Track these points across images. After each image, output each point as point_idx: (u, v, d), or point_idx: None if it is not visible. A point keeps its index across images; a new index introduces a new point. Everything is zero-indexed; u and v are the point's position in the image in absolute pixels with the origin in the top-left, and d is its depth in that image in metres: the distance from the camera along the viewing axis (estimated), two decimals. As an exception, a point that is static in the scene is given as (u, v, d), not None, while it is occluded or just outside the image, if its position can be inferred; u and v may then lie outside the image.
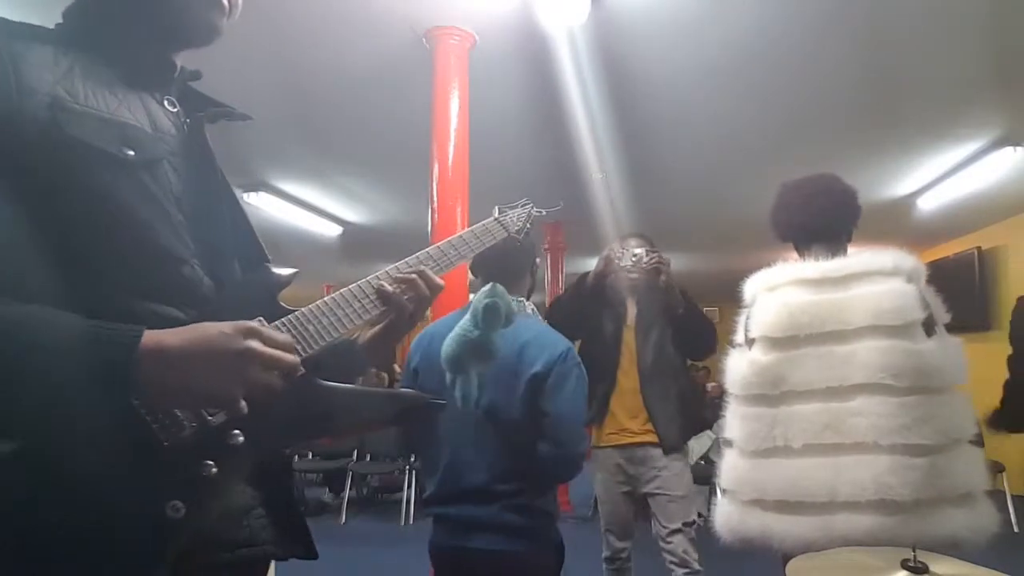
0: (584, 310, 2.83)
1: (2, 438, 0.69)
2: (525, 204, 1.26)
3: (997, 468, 4.83)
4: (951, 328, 1.72)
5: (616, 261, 2.78)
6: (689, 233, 7.02)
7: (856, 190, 1.94)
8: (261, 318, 0.83)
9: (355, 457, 6.25)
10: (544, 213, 1.30)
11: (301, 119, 4.31)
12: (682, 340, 2.81)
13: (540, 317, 2.08)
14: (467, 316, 1.61)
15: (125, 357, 0.69)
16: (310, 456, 6.62)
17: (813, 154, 4.53)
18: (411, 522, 5.48)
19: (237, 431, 0.79)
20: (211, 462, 0.78)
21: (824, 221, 1.89)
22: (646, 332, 2.80)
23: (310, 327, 0.89)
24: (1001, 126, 4.53)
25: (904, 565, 1.14)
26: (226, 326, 0.76)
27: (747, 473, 1.75)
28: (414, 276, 1.01)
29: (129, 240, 0.81)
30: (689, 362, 3.03)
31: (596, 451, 2.83)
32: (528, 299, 1.97)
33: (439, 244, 1.09)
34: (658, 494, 2.70)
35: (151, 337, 0.71)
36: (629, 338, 2.82)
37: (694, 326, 2.81)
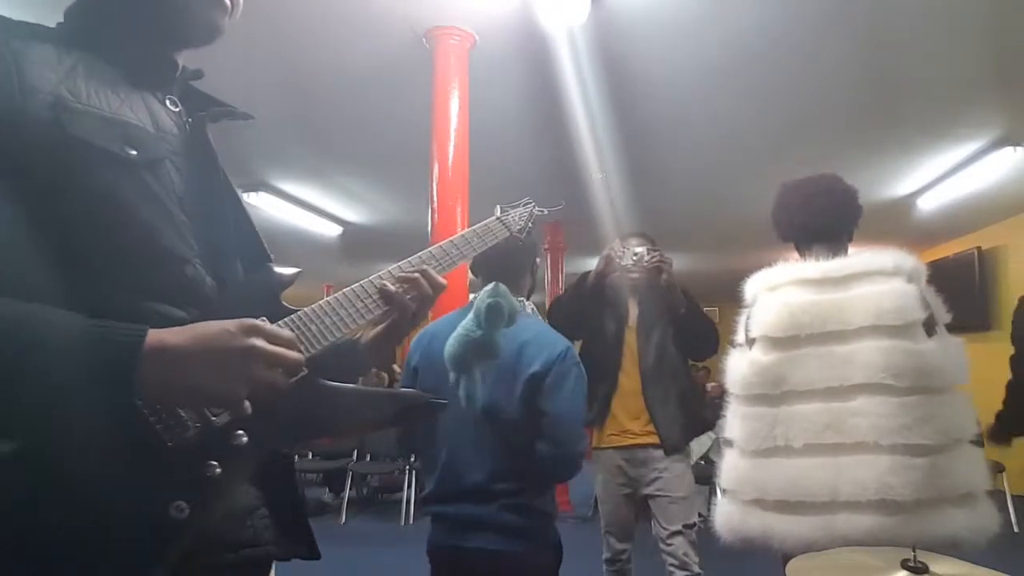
0: (584, 310, 2.80)
1: (4, 438, 0.69)
2: (527, 203, 1.26)
3: (997, 468, 4.83)
4: (951, 328, 1.72)
5: (617, 260, 2.75)
6: (689, 233, 7.03)
7: (857, 190, 1.94)
8: (264, 318, 0.83)
9: (355, 457, 6.25)
10: (546, 212, 1.30)
11: (301, 119, 4.32)
12: (684, 340, 2.78)
13: (540, 317, 2.08)
14: (470, 316, 1.61)
15: (129, 357, 0.69)
16: (310, 456, 6.62)
17: (813, 154, 4.53)
18: (411, 522, 5.48)
19: (241, 431, 0.79)
20: (215, 462, 0.78)
21: (825, 221, 1.89)
22: (648, 332, 2.77)
23: (312, 327, 0.89)
24: (1001, 126, 4.53)
25: (904, 565, 1.14)
26: (229, 324, 0.75)
27: (748, 473, 1.75)
28: (416, 275, 1.01)
29: (131, 240, 0.80)
30: (689, 362, 3.01)
31: (597, 452, 2.81)
32: (528, 299, 1.97)
33: (441, 243, 1.09)
34: (659, 495, 2.68)
35: (154, 336, 0.71)
36: (631, 339, 2.79)
37: (696, 326, 2.78)
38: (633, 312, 2.83)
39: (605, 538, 2.81)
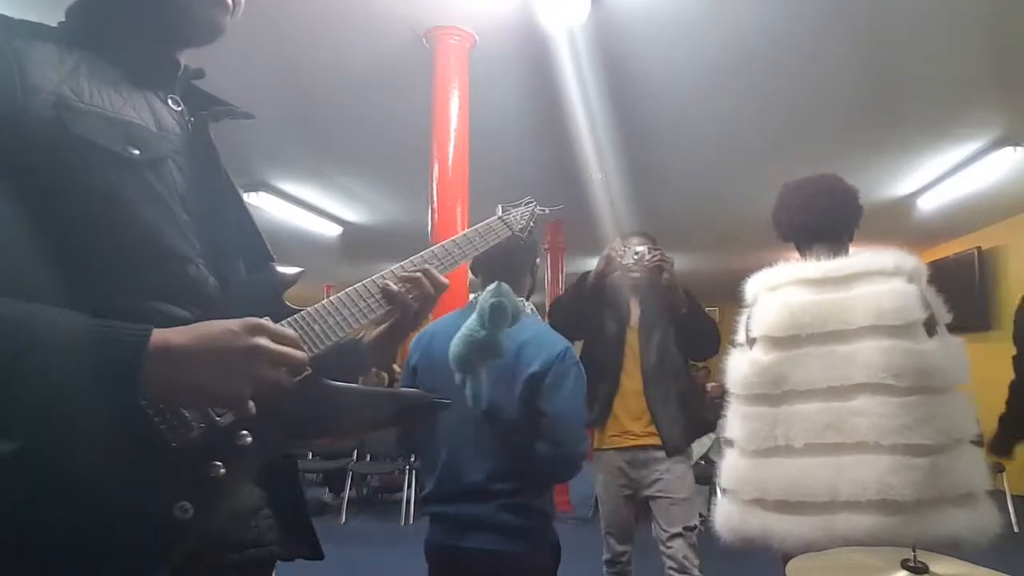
0: (584, 310, 2.78)
1: (7, 438, 0.69)
2: (528, 202, 1.26)
3: (997, 468, 4.83)
4: (951, 328, 1.72)
5: (618, 260, 2.73)
6: (689, 233, 7.03)
7: (857, 190, 1.94)
8: (267, 317, 0.83)
9: (355, 457, 6.25)
10: (547, 212, 1.30)
11: (301, 119, 4.32)
12: (685, 340, 2.75)
13: (539, 317, 2.08)
14: (473, 316, 1.62)
15: (133, 356, 0.69)
16: (310, 456, 6.62)
17: (813, 154, 4.53)
18: (411, 522, 5.48)
19: (245, 431, 0.79)
20: (219, 463, 0.78)
21: (826, 221, 1.89)
22: (649, 333, 2.75)
23: (316, 326, 0.89)
24: (1001, 126, 4.53)
25: (904, 565, 1.14)
26: (233, 323, 0.75)
27: (748, 473, 1.75)
28: (418, 275, 1.01)
29: (134, 239, 0.80)
30: (690, 363, 3.00)
31: (598, 453, 2.79)
32: (528, 299, 1.97)
33: (443, 243, 1.09)
34: (660, 497, 2.66)
35: (158, 336, 0.71)
36: (632, 339, 2.77)
37: (697, 326, 2.76)
38: (635, 312, 2.81)
39: (605, 539, 2.80)
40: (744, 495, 1.75)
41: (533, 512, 1.78)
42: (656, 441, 2.67)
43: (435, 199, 3.33)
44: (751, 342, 1.81)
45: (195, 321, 0.78)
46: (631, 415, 2.71)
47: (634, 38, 3.35)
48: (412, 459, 5.40)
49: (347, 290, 0.95)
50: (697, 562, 2.60)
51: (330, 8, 3.11)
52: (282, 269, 0.94)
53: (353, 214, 6.82)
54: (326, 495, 6.65)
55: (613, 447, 2.74)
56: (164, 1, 0.89)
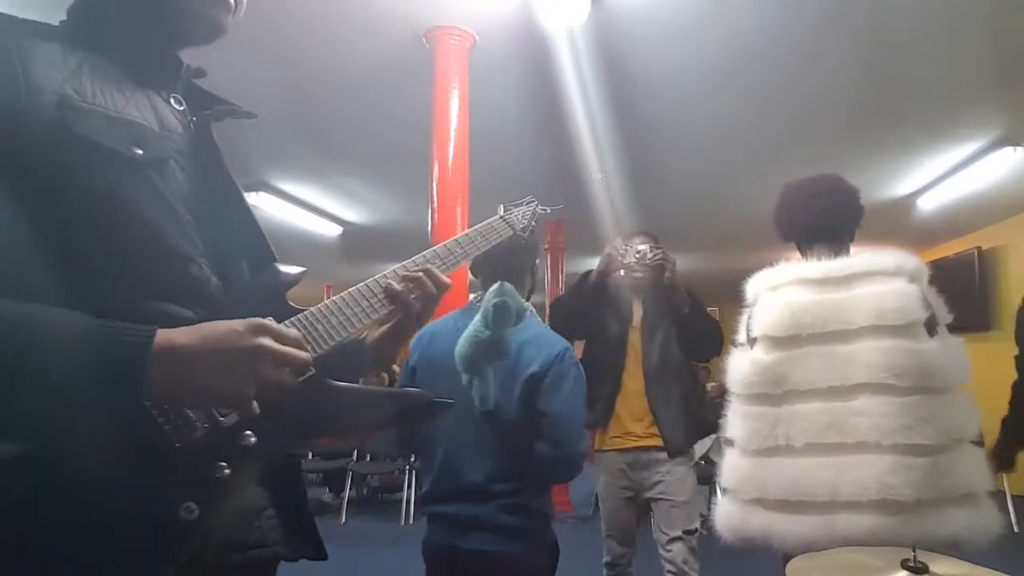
0: (585, 310, 2.75)
1: (11, 439, 0.68)
2: (530, 202, 1.26)
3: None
4: (951, 328, 1.72)
5: (619, 258, 2.70)
6: (689, 233, 7.03)
7: (859, 190, 1.94)
8: (270, 317, 0.82)
9: (355, 457, 6.25)
10: (548, 211, 1.30)
11: (301, 119, 4.32)
12: (687, 340, 2.72)
13: (539, 317, 2.08)
14: (477, 316, 1.62)
15: (137, 357, 0.69)
16: (310, 456, 6.62)
17: (813, 154, 4.53)
18: (411, 522, 5.48)
19: (249, 432, 0.79)
20: (224, 463, 0.78)
21: (827, 221, 1.89)
22: (651, 333, 2.72)
23: (319, 326, 0.89)
24: (1001, 126, 4.53)
25: (904, 565, 1.14)
26: (237, 324, 0.75)
27: (749, 472, 1.75)
28: (421, 275, 1.01)
29: (137, 239, 0.80)
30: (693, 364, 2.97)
31: (599, 454, 2.77)
32: (528, 299, 1.96)
33: (445, 243, 1.09)
34: (661, 499, 2.64)
35: (163, 336, 0.71)
36: (634, 339, 2.74)
37: (699, 326, 2.72)
38: (637, 312, 2.79)
39: (606, 542, 2.77)
40: (745, 495, 1.75)
41: (531, 513, 1.78)
42: (658, 442, 2.64)
43: (435, 199, 3.33)
44: (752, 341, 1.81)
45: (198, 321, 0.78)
46: (633, 416, 2.69)
47: (634, 38, 3.35)
48: (412, 459, 5.40)
49: (350, 290, 0.95)
50: (697, 566, 2.58)
51: (330, 8, 3.11)
52: (285, 269, 0.94)
53: (353, 214, 6.82)
54: (326, 495, 6.65)
55: (615, 448, 2.71)
56: (165, 0, 0.89)
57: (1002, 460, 2.26)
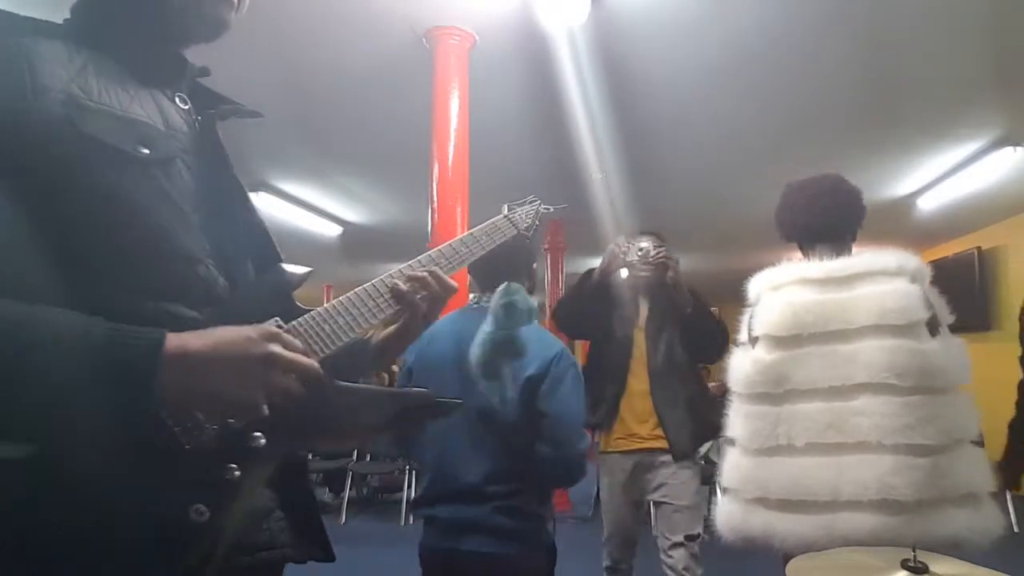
0: (588, 309, 2.72)
1: (21, 441, 0.68)
2: (533, 201, 1.25)
3: (996, 467, 4.82)
4: (951, 328, 1.72)
5: (622, 256, 2.67)
6: (689, 233, 7.03)
7: (861, 190, 1.94)
8: (278, 318, 0.82)
9: (355, 457, 6.24)
10: (551, 210, 1.29)
11: (301, 119, 4.31)
12: (690, 341, 2.67)
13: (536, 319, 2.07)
14: (488, 319, 1.62)
15: (147, 362, 0.68)
16: (310, 456, 6.62)
17: (813, 154, 4.53)
18: (411, 522, 5.47)
19: (258, 433, 0.79)
20: (234, 465, 0.77)
21: (829, 221, 1.89)
22: (657, 333, 2.68)
23: (326, 327, 0.88)
24: (1001, 126, 4.53)
25: (904, 565, 1.14)
26: (250, 330, 0.75)
27: (750, 472, 1.75)
28: (427, 275, 1.00)
29: (144, 239, 0.79)
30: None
31: (603, 456, 2.73)
32: (528, 299, 1.96)
33: (450, 242, 1.08)
34: (663, 503, 2.59)
35: (174, 341, 0.70)
36: (639, 339, 2.70)
37: (703, 327, 2.67)
38: (643, 312, 2.75)
39: (606, 546, 2.72)
40: (746, 494, 1.75)
41: (528, 514, 1.77)
42: (663, 444, 2.60)
43: (435, 199, 3.32)
44: (753, 341, 1.81)
45: (205, 321, 0.77)
46: (637, 417, 2.65)
47: (634, 38, 3.35)
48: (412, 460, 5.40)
49: (356, 290, 0.94)
50: (700, 572, 2.54)
51: (330, 8, 3.10)
52: (290, 269, 0.94)
53: (353, 214, 6.82)
54: (326, 495, 6.64)
55: (618, 450, 2.67)
56: None
57: (1009, 475, 2.21)
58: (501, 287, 1.61)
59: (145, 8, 0.88)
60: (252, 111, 0.99)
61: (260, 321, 0.82)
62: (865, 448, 1.61)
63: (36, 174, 0.74)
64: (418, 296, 0.99)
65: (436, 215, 3.31)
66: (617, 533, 2.70)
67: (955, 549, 1.44)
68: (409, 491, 5.58)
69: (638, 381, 2.67)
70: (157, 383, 0.68)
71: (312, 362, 0.79)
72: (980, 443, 1.69)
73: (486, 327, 1.61)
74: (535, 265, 1.97)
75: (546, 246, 7.42)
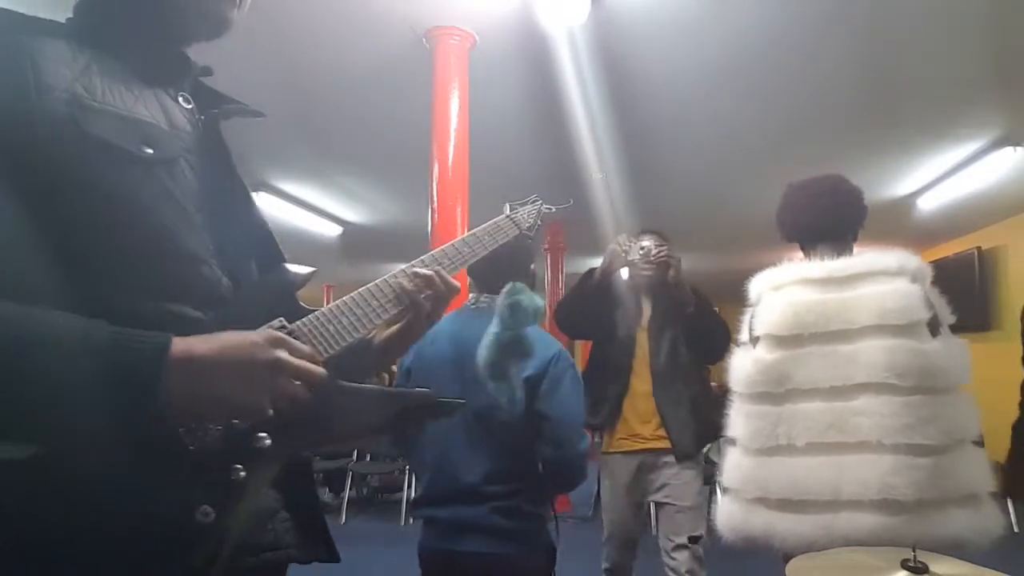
0: (589, 308, 2.71)
1: (22, 442, 0.68)
2: (535, 200, 1.25)
3: (998, 469, 4.81)
4: (951, 328, 1.72)
5: (623, 255, 2.65)
6: (689, 233, 7.02)
7: (862, 191, 1.94)
8: (282, 318, 0.82)
9: (355, 457, 6.25)
10: (554, 210, 1.29)
11: (301, 119, 4.31)
12: (691, 341, 2.65)
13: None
14: (494, 321, 1.62)
15: (153, 367, 0.68)
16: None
17: (813, 154, 4.53)
18: (411, 522, 5.47)
19: (263, 434, 0.79)
20: (239, 465, 0.77)
21: (830, 221, 1.89)
22: (659, 333, 2.66)
23: (330, 327, 0.88)
24: (1001, 126, 4.53)
25: (904, 565, 1.14)
26: (256, 336, 0.75)
27: (751, 471, 1.75)
28: (431, 274, 1.01)
29: (148, 240, 0.79)
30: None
31: (605, 457, 2.71)
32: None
33: (453, 242, 1.08)
34: (666, 503, 2.58)
35: (180, 345, 0.70)
36: (642, 339, 2.69)
37: (705, 326, 2.64)
38: (646, 312, 2.73)
39: (606, 547, 2.69)
40: (746, 494, 1.75)
41: (527, 515, 1.77)
42: (665, 444, 2.58)
43: (435, 199, 3.32)
44: (754, 340, 1.81)
45: (209, 322, 0.77)
46: (640, 418, 2.63)
47: (634, 38, 3.35)
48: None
49: (360, 290, 0.94)
50: (703, 575, 2.52)
51: (330, 8, 3.10)
52: (294, 269, 0.94)
53: (353, 214, 6.81)
54: (326, 495, 6.64)
55: (621, 451, 2.65)
56: None
57: (1014, 484, 2.19)
58: (507, 287, 1.61)
59: (147, 6, 0.88)
60: (255, 111, 0.99)
61: (264, 321, 0.82)
62: (866, 448, 1.62)
63: (40, 174, 0.73)
64: (423, 295, 0.99)
65: (436, 215, 3.31)
66: (617, 534, 2.68)
67: (955, 549, 1.43)
68: (409, 491, 5.58)
69: (641, 381, 2.65)
70: (162, 387, 0.68)
71: (319, 368, 0.79)
72: (980, 443, 1.69)
73: (492, 328, 1.61)
74: (533, 266, 1.97)
75: (546, 246, 7.42)
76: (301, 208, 6.33)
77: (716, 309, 2.79)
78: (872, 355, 1.64)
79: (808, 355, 1.70)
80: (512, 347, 1.59)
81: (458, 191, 3.33)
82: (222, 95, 0.98)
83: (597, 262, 2.79)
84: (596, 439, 2.86)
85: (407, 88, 3.79)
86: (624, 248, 2.66)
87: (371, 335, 1.06)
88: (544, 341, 1.83)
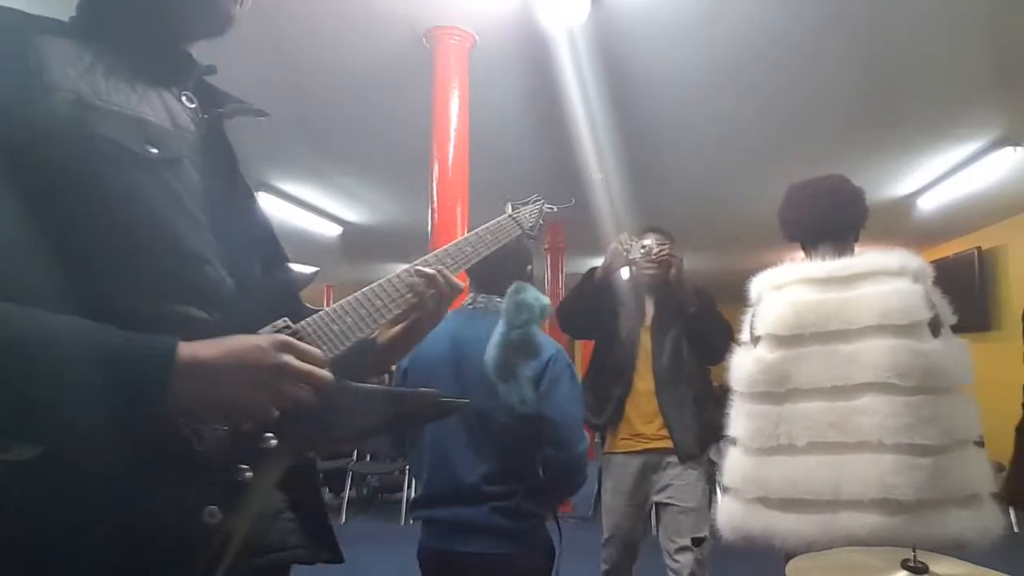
0: (590, 308, 2.69)
1: (33, 444, 0.68)
2: (536, 200, 1.25)
3: (998, 469, 4.83)
4: (952, 328, 1.72)
5: (624, 253, 2.63)
6: (689, 233, 6.98)
7: (863, 191, 1.94)
8: (286, 318, 0.82)
9: (355, 457, 6.24)
10: (555, 210, 1.29)
11: (301, 119, 4.31)
12: (693, 340, 2.63)
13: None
14: (500, 321, 1.61)
15: (161, 371, 0.68)
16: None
17: (813, 154, 4.53)
18: (411, 522, 5.47)
19: (270, 434, 0.79)
20: (245, 466, 0.77)
21: (831, 221, 1.89)
22: (663, 333, 2.64)
23: (334, 327, 0.88)
24: (1001, 126, 4.53)
25: (904, 565, 1.14)
26: (262, 339, 0.75)
27: (751, 471, 1.75)
28: (434, 273, 1.01)
29: (153, 240, 0.79)
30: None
31: (607, 457, 2.69)
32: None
33: (456, 242, 1.08)
34: (669, 504, 2.55)
35: (186, 349, 0.70)
36: (645, 339, 2.67)
37: (706, 326, 2.61)
38: (649, 311, 2.71)
39: (605, 549, 2.66)
40: (747, 493, 1.75)
41: (526, 515, 1.77)
42: (668, 444, 2.56)
43: (435, 199, 3.32)
44: (755, 340, 1.81)
45: (213, 322, 0.77)
46: (643, 418, 2.61)
47: (634, 38, 3.35)
48: (412, 459, 5.39)
49: (364, 290, 0.94)
50: None
51: (330, 8, 3.10)
52: (298, 269, 0.93)
53: (353, 214, 6.81)
54: (326, 495, 6.65)
55: (623, 451, 2.63)
56: None
57: (1016, 493, 2.18)
58: (511, 287, 1.61)
59: (150, 4, 0.87)
60: (258, 110, 0.98)
61: (268, 321, 0.82)
62: (866, 448, 1.61)
63: (44, 173, 0.73)
64: (428, 294, 0.99)
65: (436, 215, 3.31)
66: (617, 536, 2.65)
67: (955, 549, 1.43)
68: (409, 491, 5.58)
69: (643, 381, 2.63)
70: (170, 391, 0.68)
71: (325, 372, 0.79)
72: (981, 443, 1.69)
73: (500, 328, 1.60)
74: (530, 267, 1.96)
75: (546, 246, 7.41)
76: (301, 208, 6.33)
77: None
78: (874, 355, 1.64)
79: (809, 355, 1.70)
80: (521, 347, 1.58)
81: (458, 191, 3.33)
82: (225, 94, 0.97)
83: (597, 262, 2.78)
84: (597, 439, 2.85)
85: (407, 88, 3.79)
86: (625, 247, 2.64)
87: (374, 335, 1.06)
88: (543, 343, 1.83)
